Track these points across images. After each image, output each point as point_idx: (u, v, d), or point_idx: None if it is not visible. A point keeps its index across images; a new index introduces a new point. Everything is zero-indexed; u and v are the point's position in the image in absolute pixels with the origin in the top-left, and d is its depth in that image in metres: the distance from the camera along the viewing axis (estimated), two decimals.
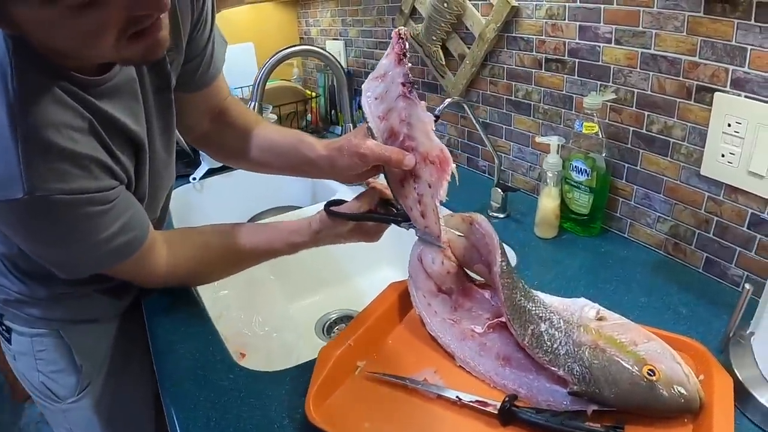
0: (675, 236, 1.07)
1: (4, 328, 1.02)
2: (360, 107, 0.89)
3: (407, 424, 0.71)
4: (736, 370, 0.76)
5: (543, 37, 1.22)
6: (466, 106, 1.20)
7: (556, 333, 0.73)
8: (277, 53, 1.41)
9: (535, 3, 1.21)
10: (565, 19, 1.15)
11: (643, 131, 1.07)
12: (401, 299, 0.92)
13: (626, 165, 1.12)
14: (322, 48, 1.47)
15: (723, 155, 0.95)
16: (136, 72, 0.80)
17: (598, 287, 1.00)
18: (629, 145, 1.10)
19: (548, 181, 1.13)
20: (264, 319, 1.21)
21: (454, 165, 0.79)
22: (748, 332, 0.81)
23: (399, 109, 0.81)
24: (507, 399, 0.71)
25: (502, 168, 1.43)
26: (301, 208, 1.56)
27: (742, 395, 0.73)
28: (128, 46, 0.62)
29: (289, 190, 1.72)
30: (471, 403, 0.72)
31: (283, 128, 1.07)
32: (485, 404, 0.72)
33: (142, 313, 1.02)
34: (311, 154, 0.95)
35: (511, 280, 0.78)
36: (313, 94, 1.92)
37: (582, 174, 1.11)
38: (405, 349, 0.85)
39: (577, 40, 1.14)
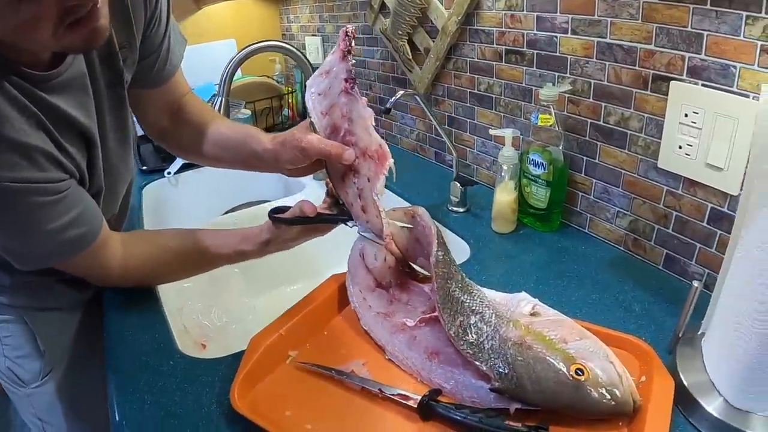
0: (634, 232, 0.99)
1: None
2: (304, 103, 0.83)
3: (328, 414, 0.68)
4: (681, 375, 0.69)
5: (503, 29, 1.13)
6: (418, 98, 1.12)
7: (485, 327, 0.68)
8: (243, 49, 1.34)
9: None
10: (523, 10, 1.07)
11: (601, 123, 0.99)
12: (341, 291, 0.86)
13: (585, 158, 1.04)
14: (286, 43, 1.39)
15: (680, 147, 0.87)
16: (87, 67, 0.78)
17: (549, 283, 0.92)
18: (587, 138, 1.02)
19: (503, 174, 1.05)
20: (226, 311, 1.16)
21: (392, 160, 0.75)
22: (699, 333, 0.72)
23: (341, 104, 0.77)
24: (427, 394, 0.67)
25: (467, 162, 1.35)
26: (269, 201, 1.49)
27: (688, 402, 0.66)
28: (66, 35, 0.61)
29: (262, 185, 1.65)
30: (392, 396, 0.68)
31: (236, 124, 1.03)
32: (406, 398, 0.67)
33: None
34: (258, 148, 0.90)
35: (447, 270, 0.73)
36: (289, 89, 1.84)
37: (539, 167, 1.03)
38: (339, 340, 0.81)
39: (535, 31, 1.06)
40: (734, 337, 0.63)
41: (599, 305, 0.86)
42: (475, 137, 1.30)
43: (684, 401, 0.66)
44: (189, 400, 0.72)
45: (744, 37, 0.75)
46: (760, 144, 0.56)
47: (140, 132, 1.77)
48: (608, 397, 0.61)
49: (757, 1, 0.72)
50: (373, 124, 0.76)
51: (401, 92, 1.06)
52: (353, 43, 0.76)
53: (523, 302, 0.72)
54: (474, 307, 0.70)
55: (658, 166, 0.91)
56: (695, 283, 0.70)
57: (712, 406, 0.64)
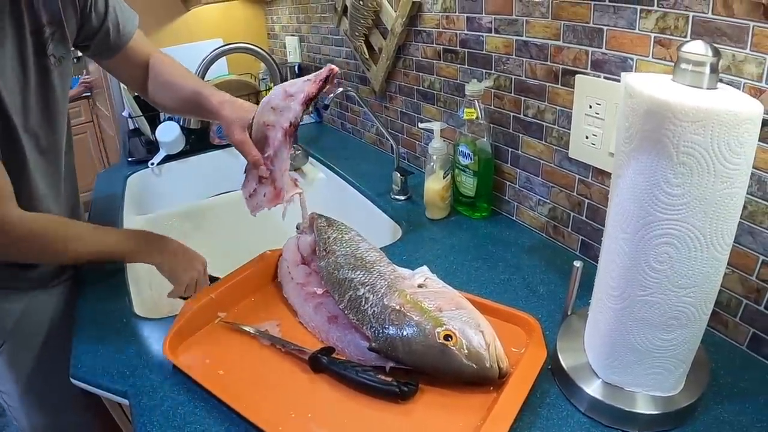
0: (554, 219, 0.98)
1: None
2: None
3: (238, 363, 0.73)
4: (560, 354, 0.68)
5: (440, 29, 1.13)
6: (356, 95, 1.12)
7: (371, 296, 0.71)
8: (211, 52, 1.34)
9: None
10: (456, 12, 1.06)
11: (521, 116, 0.98)
12: (271, 265, 0.92)
13: (509, 149, 1.03)
14: (253, 45, 1.39)
15: (587, 137, 0.86)
16: (17, 34, 0.79)
17: (465, 264, 0.92)
18: (511, 130, 1.01)
19: (433, 164, 1.04)
20: None
21: (293, 194, 0.85)
22: (588, 313, 0.71)
23: (276, 136, 0.83)
24: (319, 350, 0.71)
25: (416, 154, 1.35)
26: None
27: (566, 383, 0.66)
28: None
29: (242, 175, 1.65)
30: (292, 351, 0.73)
31: (189, 80, 1.01)
32: (302, 352, 0.72)
33: (63, 288, 1.00)
34: (208, 108, 0.93)
35: (334, 259, 0.79)
36: (270, 86, 1.84)
37: (466, 158, 1.02)
38: (262, 305, 0.86)
39: (465, 31, 1.05)
40: (598, 314, 0.62)
41: (507, 285, 0.86)
42: (423, 131, 1.30)
43: (562, 380, 0.66)
44: (131, 349, 0.79)
45: (639, 30, 0.74)
46: (617, 131, 0.55)
47: (131, 125, 1.82)
48: (473, 362, 0.62)
49: None
50: (288, 168, 0.84)
51: (339, 89, 1.06)
52: (325, 90, 0.80)
53: (418, 275, 0.74)
54: (366, 281, 0.73)
55: (569, 156, 0.90)
56: (576, 263, 0.70)
57: (588, 385, 0.63)
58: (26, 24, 0.80)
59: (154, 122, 1.67)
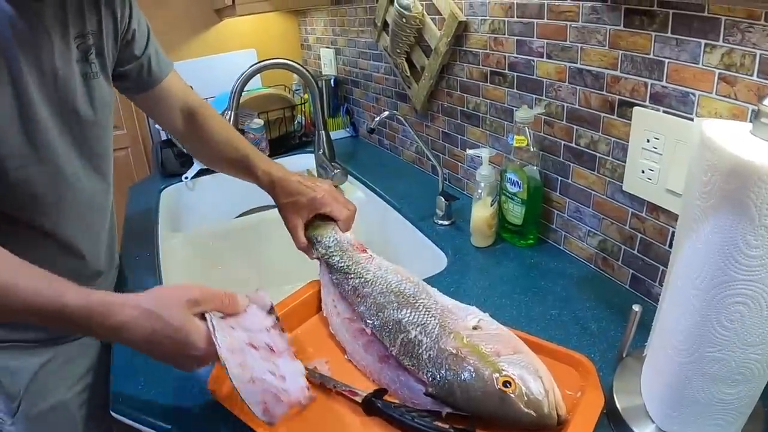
0: (603, 251, 0.98)
1: None
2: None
3: None
4: (616, 396, 0.68)
5: (488, 51, 1.13)
6: (402, 120, 1.13)
7: (425, 339, 0.71)
8: (250, 67, 1.37)
9: (480, 17, 1.13)
10: (505, 34, 1.07)
11: (573, 145, 0.98)
12: (316, 296, 0.91)
13: (559, 178, 1.03)
14: (291, 60, 1.41)
15: (643, 171, 0.86)
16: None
17: (513, 297, 0.92)
18: (561, 158, 1.01)
19: (480, 191, 1.05)
20: None
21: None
22: (643, 355, 0.71)
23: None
24: (373, 392, 0.71)
25: (458, 176, 1.36)
26: None
27: (621, 427, 0.66)
28: None
29: None
30: (343, 392, 0.72)
31: (235, 138, 1.03)
32: (354, 393, 0.72)
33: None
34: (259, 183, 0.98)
35: (377, 303, 0.79)
36: (305, 98, 1.87)
37: (515, 186, 1.03)
38: (309, 340, 0.85)
39: (515, 54, 1.06)
40: (662, 362, 0.62)
41: (557, 321, 0.86)
42: (466, 153, 1.30)
43: (617, 424, 0.66)
44: (174, 382, 0.78)
45: (702, 65, 0.74)
46: (689, 179, 0.56)
47: (164, 136, 1.86)
48: (532, 410, 0.62)
49: (715, 30, 0.70)
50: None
51: (385, 113, 1.08)
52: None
53: (470, 316, 0.74)
54: (416, 320, 0.73)
55: (623, 189, 0.90)
56: (635, 307, 0.70)
57: (642, 430, 0.63)
58: (70, 29, 0.79)
59: None
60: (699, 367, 0.56)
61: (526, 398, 0.62)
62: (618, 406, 0.67)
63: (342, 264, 0.85)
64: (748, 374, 0.54)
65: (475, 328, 0.72)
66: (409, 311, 0.74)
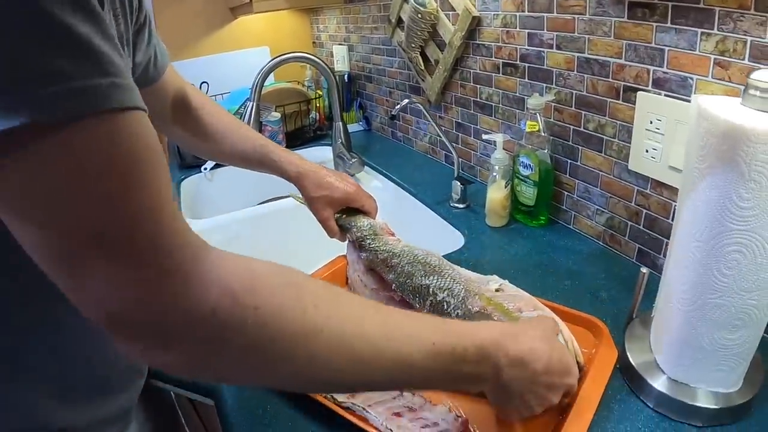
0: (611, 228, 1.06)
1: None
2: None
3: None
4: (629, 353, 0.75)
5: (500, 44, 1.22)
6: (421, 107, 1.22)
7: (452, 300, 0.77)
8: (271, 60, 1.45)
9: (493, 12, 1.21)
10: (516, 27, 1.15)
11: (581, 129, 1.06)
12: (341, 271, 1.00)
13: (569, 161, 1.11)
14: (311, 55, 1.50)
15: (647, 151, 0.94)
16: None
17: (528, 271, 1.01)
18: (570, 142, 1.10)
19: (495, 174, 1.13)
20: None
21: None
22: (651, 315, 0.79)
23: None
24: None
25: (471, 164, 1.44)
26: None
27: (635, 379, 0.73)
28: None
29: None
30: None
31: (250, 138, 0.99)
32: None
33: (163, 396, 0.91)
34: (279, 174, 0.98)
35: (406, 270, 0.84)
36: (318, 93, 1.95)
37: (527, 169, 1.11)
38: None
39: (526, 47, 1.14)
40: (668, 315, 0.70)
41: (570, 291, 0.94)
42: (479, 141, 1.39)
43: (631, 378, 0.73)
44: None
45: (699, 51, 0.82)
46: (688, 147, 0.64)
47: None
48: None
49: (710, 19, 0.78)
50: None
51: (405, 101, 1.16)
52: None
53: (492, 282, 0.82)
54: (442, 285, 0.79)
55: (629, 168, 0.98)
56: (643, 269, 0.77)
57: (655, 381, 0.70)
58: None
59: None
60: (702, 314, 0.63)
61: None
62: (631, 361, 0.74)
63: (374, 245, 0.91)
64: (747, 319, 0.62)
65: (497, 290, 0.79)
66: (435, 278, 0.81)
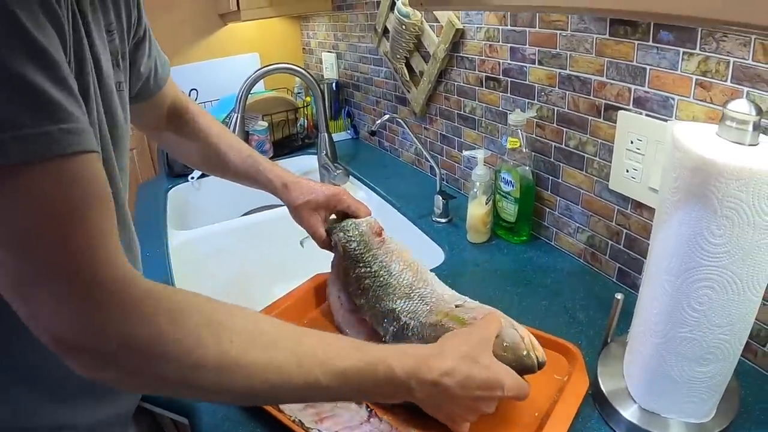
0: (592, 246, 1.03)
1: None
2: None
3: None
4: (600, 379, 0.73)
5: (483, 57, 1.19)
6: (402, 123, 1.19)
7: (414, 322, 0.76)
8: (256, 71, 1.43)
9: (476, 25, 1.18)
10: (499, 41, 1.13)
11: (563, 146, 1.04)
12: (318, 289, 0.97)
13: (550, 177, 1.09)
14: (296, 66, 1.47)
15: (627, 170, 0.91)
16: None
17: (506, 289, 0.98)
18: (552, 159, 1.07)
19: (476, 190, 1.11)
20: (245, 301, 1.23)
21: None
22: (626, 341, 0.77)
23: None
24: None
25: (456, 177, 1.41)
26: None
27: (606, 407, 0.71)
28: None
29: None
30: None
31: (243, 153, 0.97)
32: None
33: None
34: (269, 187, 0.95)
35: (375, 295, 0.83)
36: (308, 101, 1.93)
37: (509, 185, 1.08)
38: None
39: (509, 61, 1.12)
40: (639, 346, 0.68)
41: (547, 311, 0.92)
42: (462, 154, 1.36)
43: (602, 404, 0.71)
44: None
45: (681, 71, 0.79)
46: (663, 177, 0.61)
47: None
48: (509, 353, 0.66)
49: (692, 39, 0.76)
50: None
51: (386, 116, 1.13)
52: None
53: (459, 300, 0.78)
54: (408, 308, 0.78)
55: (609, 187, 0.95)
56: (618, 296, 0.75)
57: (626, 410, 0.68)
58: (102, 23, 0.61)
59: None
60: (673, 347, 0.61)
61: (503, 344, 0.67)
62: (603, 388, 0.72)
63: (357, 251, 0.86)
64: (719, 354, 0.60)
65: (457, 306, 0.76)
66: (404, 302, 0.79)
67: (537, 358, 0.67)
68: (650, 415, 0.67)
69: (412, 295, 0.79)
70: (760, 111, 0.53)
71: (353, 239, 0.87)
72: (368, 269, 0.84)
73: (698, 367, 0.61)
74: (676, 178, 0.55)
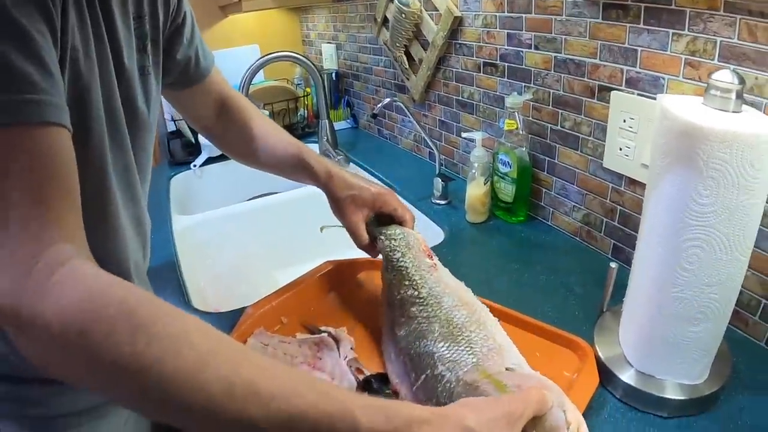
0: (588, 224, 1.07)
1: None
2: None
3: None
4: (598, 347, 0.76)
5: (481, 43, 1.22)
6: (402, 105, 1.22)
7: (449, 374, 0.63)
8: (258, 60, 1.46)
9: (474, 13, 1.22)
10: (496, 27, 1.16)
11: (558, 127, 1.07)
12: (330, 275, 0.97)
13: (546, 158, 1.12)
14: (297, 53, 1.50)
15: (621, 149, 0.95)
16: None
17: (505, 267, 1.01)
18: (548, 140, 1.10)
19: (474, 171, 1.14)
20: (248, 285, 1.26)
21: None
22: (621, 310, 0.80)
23: None
24: (374, 376, 0.72)
25: (454, 161, 1.45)
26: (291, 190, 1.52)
27: (604, 372, 0.73)
28: None
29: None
30: (350, 364, 0.75)
31: (284, 141, 0.95)
32: (360, 371, 0.74)
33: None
34: (308, 181, 0.92)
35: (415, 323, 0.71)
36: (307, 91, 1.96)
37: (506, 166, 1.12)
38: (321, 314, 0.89)
39: (506, 46, 1.15)
40: (634, 310, 0.71)
41: (545, 285, 0.95)
42: (461, 139, 1.40)
43: (600, 370, 0.73)
44: None
45: (671, 52, 0.83)
46: (652, 145, 0.64)
47: (171, 128, 1.94)
48: None
49: (681, 20, 0.79)
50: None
51: (387, 99, 1.16)
52: None
53: (513, 362, 0.65)
54: (450, 356, 0.65)
55: (603, 165, 0.99)
56: (612, 265, 0.79)
57: (623, 374, 0.71)
58: (129, 7, 0.64)
59: None
60: (665, 307, 0.64)
61: (545, 427, 0.53)
62: (600, 355, 0.74)
63: (402, 263, 0.77)
64: (709, 313, 0.63)
65: (508, 369, 0.62)
66: (447, 344, 0.66)
67: None
68: (646, 377, 0.70)
69: (459, 339, 0.66)
70: (742, 81, 0.56)
71: (398, 249, 0.79)
72: (416, 292, 0.73)
73: (690, 326, 0.64)
74: (664, 144, 0.58)
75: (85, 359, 0.43)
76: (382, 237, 0.83)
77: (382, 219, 0.88)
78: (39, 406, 0.70)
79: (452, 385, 0.61)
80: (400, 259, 0.78)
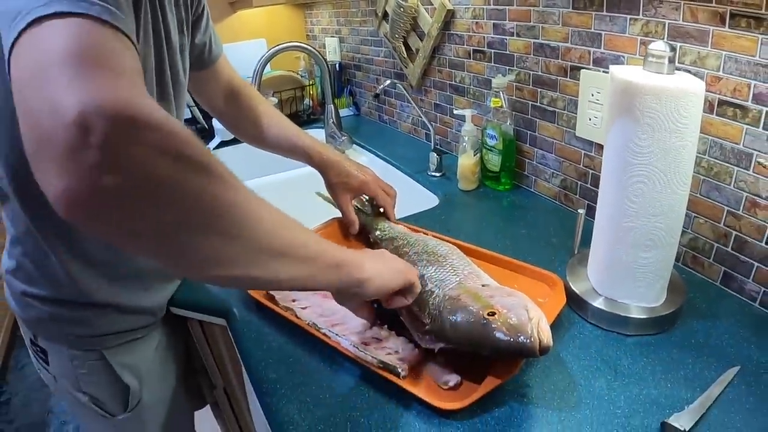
0: (565, 188, 1.21)
1: (38, 349, 0.87)
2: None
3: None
4: (570, 283, 0.88)
5: (470, 33, 1.37)
6: (402, 86, 1.37)
7: (437, 290, 0.75)
8: (270, 49, 1.60)
9: (464, 6, 1.36)
10: (484, 18, 1.31)
11: (538, 104, 1.22)
12: (342, 228, 1.10)
13: (528, 132, 1.27)
14: (306, 45, 1.65)
15: (590, 119, 1.09)
16: None
17: (492, 224, 1.16)
18: (529, 116, 1.25)
19: (465, 144, 1.29)
20: None
21: None
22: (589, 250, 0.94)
23: None
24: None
25: (448, 140, 1.59)
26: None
27: (576, 301, 0.86)
28: None
29: None
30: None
31: (283, 126, 1.09)
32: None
33: (178, 321, 1.02)
34: (310, 161, 1.07)
35: (406, 257, 0.88)
36: (311, 82, 2.10)
37: (493, 139, 1.26)
38: None
39: (492, 35, 1.29)
40: (597, 245, 0.85)
41: (526, 237, 1.09)
42: (454, 120, 1.54)
43: (574, 301, 0.86)
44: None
45: (628, 34, 0.97)
46: (606, 105, 0.78)
47: (186, 115, 2.07)
48: (512, 334, 0.64)
49: (636, 7, 0.93)
50: None
51: (388, 81, 1.30)
52: None
53: (489, 283, 0.78)
54: (437, 276, 0.79)
55: (576, 135, 1.13)
56: (580, 211, 0.93)
57: (593, 301, 0.84)
58: None
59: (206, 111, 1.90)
60: (620, 236, 0.78)
61: (508, 325, 0.65)
62: (573, 288, 0.87)
63: (389, 232, 0.98)
64: (657, 240, 0.76)
65: (484, 285, 0.76)
66: (435, 268, 0.80)
67: (540, 341, 0.63)
68: (612, 302, 0.82)
69: (444, 264, 0.81)
70: (673, 49, 0.70)
71: (387, 234, 0.99)
72: (405, 241, 0.93)
73: (642, 252, 0.77)
74: (612, 103, 0.73)
75: (183, 174, 0.43)
76: (375, 230, 1.02)
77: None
78: (83, 326, 0.84)
79: (439, 300, 0.74)
80: (394, 240, 0.96)
